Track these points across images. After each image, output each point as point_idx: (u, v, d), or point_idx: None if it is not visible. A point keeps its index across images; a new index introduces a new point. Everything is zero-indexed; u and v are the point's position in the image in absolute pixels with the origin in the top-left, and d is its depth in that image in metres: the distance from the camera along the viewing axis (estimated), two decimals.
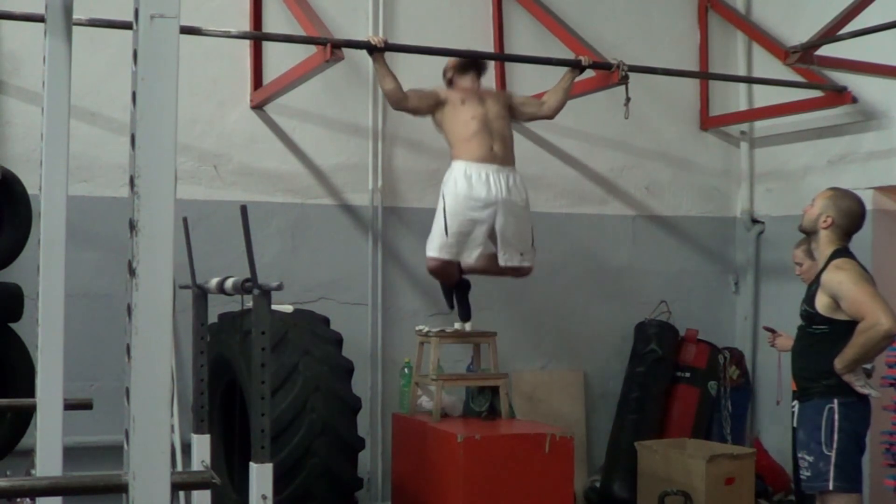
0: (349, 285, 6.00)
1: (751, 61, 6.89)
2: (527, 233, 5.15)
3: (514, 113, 5.30)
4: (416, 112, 5.17)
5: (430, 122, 5.28)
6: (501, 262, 5.09)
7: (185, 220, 3.90)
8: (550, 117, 5.43)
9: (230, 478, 5.01)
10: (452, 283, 5.25)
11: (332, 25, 5.26)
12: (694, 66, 6.87)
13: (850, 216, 4.32)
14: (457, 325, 5.39)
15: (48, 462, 2.24)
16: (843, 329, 4.15)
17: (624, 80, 5.29)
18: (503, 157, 5.03)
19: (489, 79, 6.34)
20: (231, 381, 4.96)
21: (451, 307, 5.40)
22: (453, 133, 5.06)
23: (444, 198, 4.99)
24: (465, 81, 5.19)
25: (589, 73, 5.44)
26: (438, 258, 5.01)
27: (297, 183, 5.94)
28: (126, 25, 2.62)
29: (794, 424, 4.49)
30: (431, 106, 5.12)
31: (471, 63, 5.24)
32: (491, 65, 6.35)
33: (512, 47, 6.35)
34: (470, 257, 5.04)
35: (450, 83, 5.25)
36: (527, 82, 6.29)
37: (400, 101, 5.04)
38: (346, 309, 5.91)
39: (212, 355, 4.34)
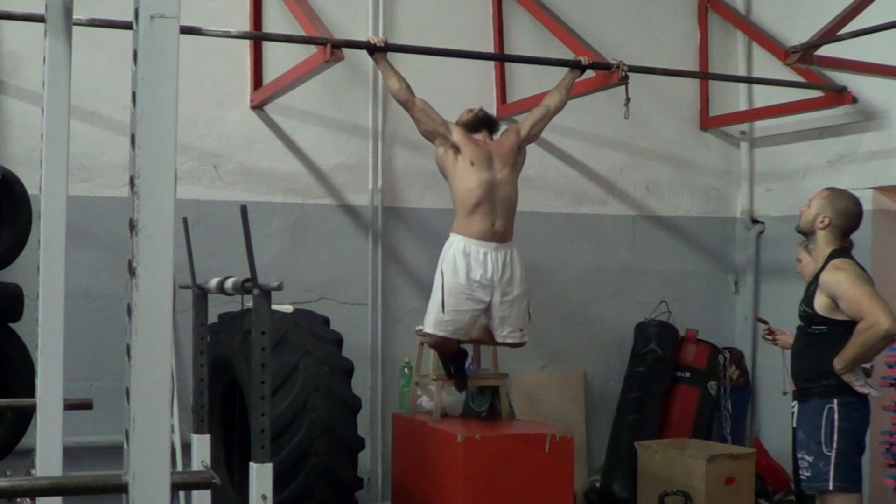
0: (349, 285, 6.00)
1: (751, 61, 6.89)
2: (523, 310, 5.06)
3: (529, 141, 5.19)
4: (416, 122, 5.03)
5: None
6: (499, 339, 5.04)
7: (185, 220, 3.90)
8: (554, 115, 5.37)
9: (230, 478, 5.01)
10: (450, 355, 5.17)
11: (332, 25, 5.26)
12: (694, 66, 6.87)
13: (848, 216, 4.33)
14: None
15: (48, 462, 2.24)
16: (842, 329, 4.15)
17: (624, 81, 5.29)
18: (503, 233, 4.93)
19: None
20: (231, 381, 4.96)
21: (450, 376, 5.26)
22: (457, 196, 4.95)
23: (442, 274, 4.91)
24: (478, 135, 5.07)
25: (589, 73, 5.43)
26: (435, 335, 4.96)
27: (297, 183, 5.94)
28: (126, 25, 2.62)
29: (794, 424, 4.49)
30: (435, 132, 4.98)
31: (483, 122, 5.11)
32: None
33: (512, 47, 6.34)
34: (467, 334, 5.01)
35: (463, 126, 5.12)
36: (527, 82, 6.29)
37: (406, 101, 4.97)
38: (346, 309, 5.91)
39: (212, 355, 4.34)
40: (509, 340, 5.05)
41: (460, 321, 4.90)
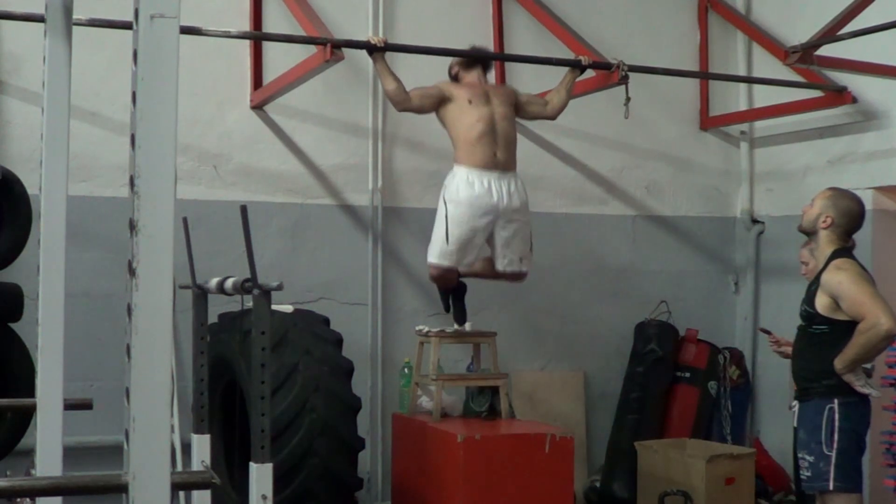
0: (349, 285, 6.00)
1: (751, 61, 6.89)
2: (526, 238, 5.14)
3: (519, 111, 5.27)
4: (420, 111, 5.12)
5: (431, 121, 5.28)
6: (500, 266, 5.09)
7: (185, 220, 3.90)
8: (553, 118, 5.43)
9: (230, 478, 5.01)
10: (450, 287, 5.24)
11: (332, 25, 5.26)
12: (694, 66, 6.87)
13: (850, 216, 4.33)
14: (456, 327, 5.39)
15: (48, 462, 2.24)
16: (843, 329, 4.15)
17: (624, 80, 5.29)
18: (506, 162, 5.01)
19: (489, 79, 6.36)
20: (231, 381, 4.96)
21: (448, 310, 5.39)
22: (458, 134, 5.03)
23: (445, 204, 4.97)
24: (471, 76, 5.18)
25: (589, 73, 5.44)
26: (440, 265, 5.00)
27: (297, 183, 5.94)
28: (126, 25, 2.62)
29: (795, 424, 4.49)
30: (435, 104, 5.08)
31: (477, 58, 5.23)
32: (492, 66, 6.36)
33: (512, 47, 6.35)
34: (470, 263, 5.04)
35: (455, 78, 5.24)
36: (527, 82, 6.28)
37: (403, 101, 5.02)
38: (346, 309, 5.91)
39: (212, 355, 4.34)
40: (510, 269, 5.11)
41: (465, 250, 4.96)
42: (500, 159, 4.99)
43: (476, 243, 4.97)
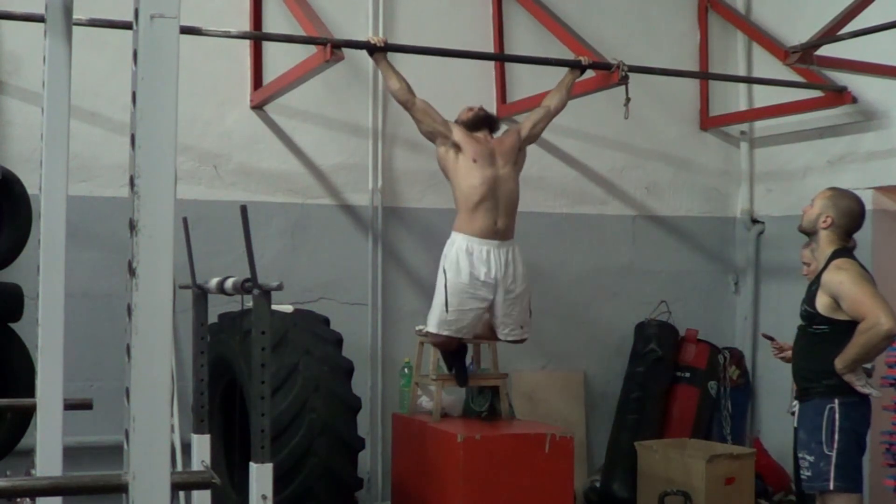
0: (349, 285, 6.00)
1: (751, 61, 6.89)
2: (525, 306, 5.10)
3: (529, 141, 5.21)
4: (416, 122, 5.04)
5: None
6: (501, 336, 5.10)
7: (185, 220, 3.90)
8: (555, 115, 5.38)
9: (230, 478, 5.01)
10: (452, 351, 5.18)
11: (332, 25, 5.26)
12: (694, 66, 6.87)
13: (850, 216, 4.33)
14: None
15: (48, 462, 2.24)
16: (844, 329, 4.15)
17: (624, 81, 5.29)
18: (505, 231, 4.96)
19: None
20: (231, 381, 4.96)
21: (451, 370, 5.28)
22: (459, 194, 4.96)
23: (444, 273, 4.92)
24: (478, 134, 5.07)
25: (589, 73, 5.43)
26: (439, 334, 4.98)
27: (297, 183, 5.94)
28: (126, 25, 2.62)
29: (795, 424, 4.49)
30: (436, 132, 5.00)
31: (483, 120, 5.11)
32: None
33: (512, 47, 6.34)
34: (469, 332, 5.04)
35: (462, 123, 5.13)
36: (527, 82, 6.29)
37: (406, 102, 4.99)
38: (346, 309, 5.91)
39: (212, 355, 4.34)
40: (511, 338, 5.11)
41: (464, 320, 4.92)
42: (501, 228, 4.93)
43: (476, 313, 4.95)
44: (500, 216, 4.94)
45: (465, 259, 4.88)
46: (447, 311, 4.89)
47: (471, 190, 4.91)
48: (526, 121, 5.26)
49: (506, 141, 5.13)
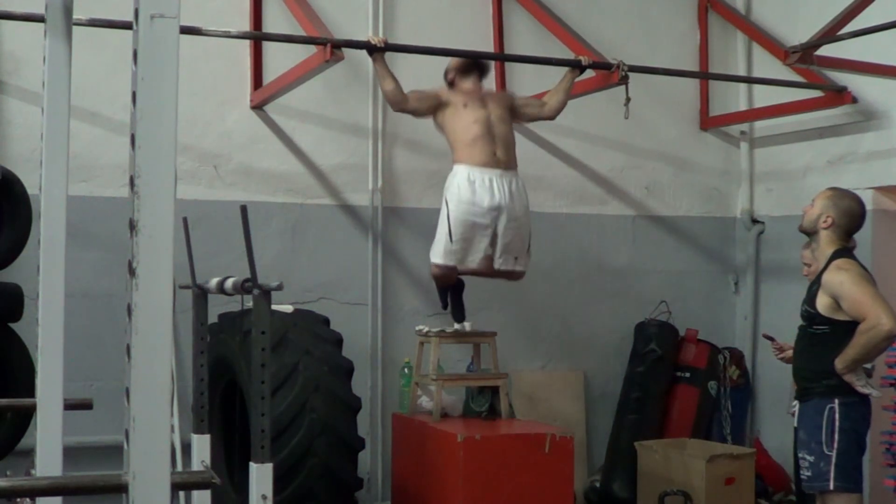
0: (349, 285, 6.00)
1: (751, 61, 6.89)
2: (525, 238, 5.15)
3: (515, 114, 5.28)
4: (416, 113, 5.16)
5: (431, 121, 5.28)
6: (496, 265, 5.09)
7: (185, 220, 3.90)
8: (551, 118, 5.44)
9: (230, 478, 5.01)
10: (449, 285, 5.25)
11: (332, 25, 5.26)
12: (694, 66, 6.87)
13: (851, 216, 4.33)
14: (456, 326, 5.40)
15: (48, 462, 2.23)
16: (844, 329, 4.15)
17: (624, 80, 5.29)
18: (506, 161, 5.02)
19: (489, 80, 6.36)
20: (231, 381, 4.96)
21: (446, 307, 5.40)
22: (455, 136, 5.04)
23: (447, 203, 4.97)
24: (467, 83, 5.16)
25: (589, 73, 5.44)
26: (443, 264, 5.00)
27: (297, 183, 5.94)
28: (126, 25, 2.62)
29: (795, 424, 4.49)
30: (432, 107, 5.10)
31: (473, 64, 5.21)
32: (491, 65, 6.36)
33: (512, 47, 6.34)
34: (472, 262, 5.04)
35: (451, 84, 5.23)
36: (527, 82, 6.29)
37: (400, 102, 5.04)
38: (346, 309, 5.91)
39: (212, 355, 4.34)
40: (507, 267, 5.12)
41: (468, 249, 4.98)
42: (501, 158, 5.01)
43: (479, 241, 4.98)
44: (499, 148, 5.02)
45: (467, 187, 4.94)
46: (451, 240, 4.94)
47: (464, 129, 5.00)
48: (521, 99, 5.38)
49: (496, 94, 5.35)
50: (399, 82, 5.01)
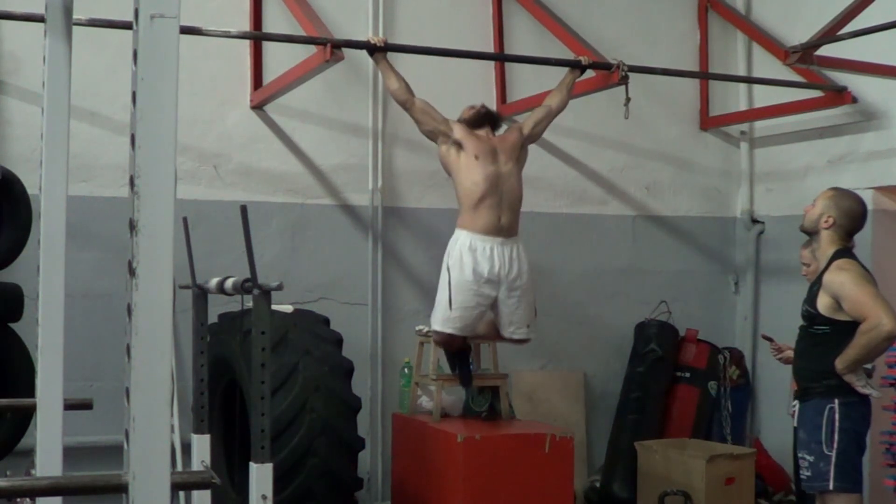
0: (349, 285, 6.00)
1: (751, 61, 6.89)
2: (530, 304, 5.06)
3: (531, 140, 5.20)
4: (416, 122, 5.03)
5: None
6: (506, 335, 5.04)
7: (185, 220, 3.90)
8: (556, 115, 5.38)
9: (230, 478, 5.01)
10: (455, 350, 5.16)
11: (332, 25, 5.26)
12: (694, 66, 6.87)
13: (852, 216, 4.32)
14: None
15: (48, 462, 2.23)
16: (845, 329, 4.15)
17: (624, 80, 5.28)
18: (509, 228, 4.93)
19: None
20: (231, 381, 4.96)
21: (454, 370, 5.26)
22: (462, 192, 4.94)
23: (448, 270, 4.89)
24: (480, 132, 5.05)
25: (589, 73, 5.43)
26: (443, 332, 4.97)
27: (297, 183, 5.94)
28: (126, 25, 2.62)
29: (795, 424, 4.49)
30: (436, 131, 4.99)
31: (485, 117, 5.09)
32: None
33: (512, 47, 6.34)
34: (474, 330, 5.01)
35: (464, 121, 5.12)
36: (527, 82, 6.29)
37: (405, 102, 4.98)
38: (346, 309, 5.91)
39: (212, 355, 4.34)
40: (516, 337, 5.05)
41: (468, 317, 4.90)
42: (504, 225, 4.91)
43: (479, 310, 4.91)
44: (504, 213, 4.91)
45: (468, 256, 4.86)
46: (451, 308, 4.87)
47: (473, 187, 4.89)
48: (528, 119, 5.26)
49: (508, 138, 5.12)
50: (405, 81, 4.97)
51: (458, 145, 4.96)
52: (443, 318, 4.91)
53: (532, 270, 5.12)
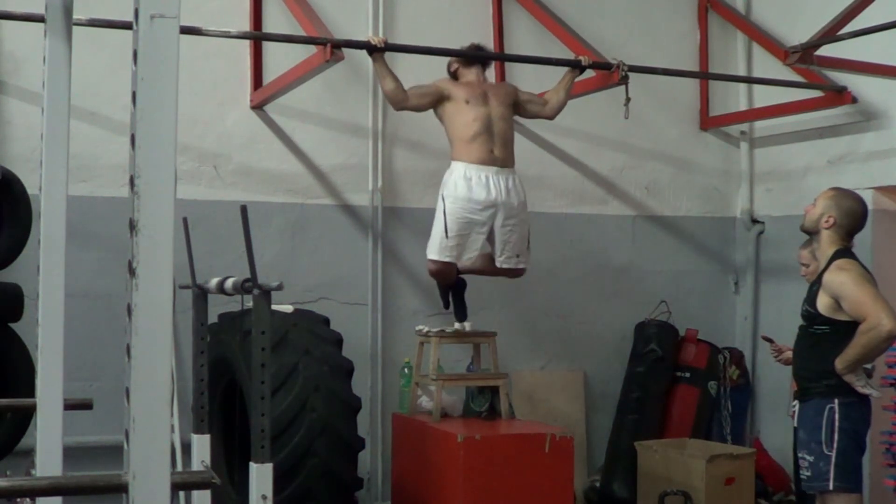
0: (349, 285, 6.00)
1: (751, 61, 6.89)
2: (524, 235, 5.17)
3: (518, 109, 5.30)
4: (417, 109, 5.17)
5: (430, 119, 5.28)
6: (498, 263, 5.13)
7: (185, 220, 3.90)
8: (551, 118, 5.44)
9: (230, 478, 5.01)
10: (450, 283, 5.26)
11: (332, 25, 5.26)
12: (694, 66, 6.87)
13: (852, 216, 4.32)
14: (456, 326, 5.40)
15: (48, 462, 2.23)
16: (845, 329, 4.15)
17: (624, 80, 5.29)
18: (503, 159, 5.04)
19: (489, 79, 6.36)
20: (231, 381, 4.96)
21: (447, 306, 5.42)
22: (454, 132, 5.06)
23: (443, 200, 5.00)
24: (470, 75, 5.21)
25: (589, 73, 5.44)
26: (439, 260, 5.02)
27: (297, 183, 5.94)
28: (126, 25, 2.62)
29: (795, 424, 4.49)
30: (433, 102, 5.12)
31: (477, 56, 5.24)
32: (492, 64, 6.36)
33: (512, 47, 6.34)
34: (469, 259, 5.06)
35: (454, 75, 5.26)
36: (527, 82, 6.27)
37: (401, 101, 5.05)
38: (346, 309, 5.91)
39: (212, 355, 4.34)
40: (508, 265, 5.16)
41: (464, 245, 4.99)
42: (498, 156, 5.02)
43: (476, 238, 5.00)
44: (497, 146, 5.04)
45: (463, 184, 4.95)
46: (447, 236, 4.96)
47: (464, 126, 5.01)
48: (525, 94, 5.34)
49: (500, 87, 5.31)
50: (400, 81, 5.02)
51: (449, 97, 5.09)
52: (439, 247, 5.00)
53: (527, 204, 5.21)
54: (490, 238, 5.06)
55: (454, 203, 4.95)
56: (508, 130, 5.12)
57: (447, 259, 5.01)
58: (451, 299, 5.38)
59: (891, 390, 4.90)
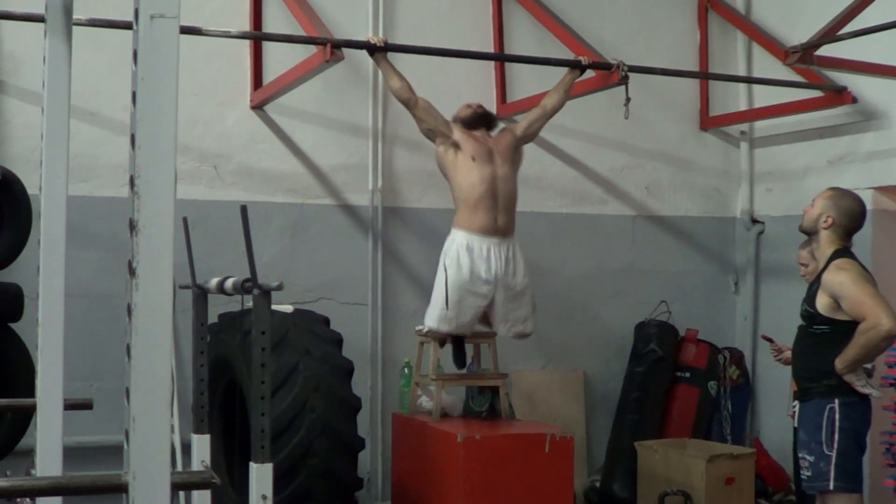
0: (349, 285, 6.00)
1: (751, 61, 6.89)
2: (526, 305, 5.10)
3: (525, 141, 5.22)
4: (418, 120, 5.05)
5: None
6: (501, 332, 5.12)
7: (185, 220, 3.90)
8: (552, 115, 5.40)
9: (230, 478, 5.01)
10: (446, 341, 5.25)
11: (332, 25, 5.26)
12: (694, 66, 6.87)
13: (851, 216, 4.32)
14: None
15: (48, 462, 2.23)
16: (844, 329, 4.15)
17: (624, 81, 5.29)
18: (505, 229, 4.97)
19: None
20: (231, 381, 4.96)
21: (462, 365, 5.37)
22: (459, 193, 4.97)
23: (445, 269, 4.93)
24: (477, 133, 5.08)
25: (589, 73, 5.43)
26: (437, 330, 5.01)
27: (297, 183, 5.94)
28: (126, 25, 2.62)
29: (795, 424, 4.49)
30: (436, 131, 5.01)
31: (481, 118, 5.12)
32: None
33: (512, 47, 6.34)
34: (467, 326, 5.05)
35: (460, 121, 5.14)
36: (527, 82, 6.29)
37: (408, 101, 5.00)
38: (346, 309, 5.91)
39: (212, 355, 4.34)
40: (513, 332, 5.11)
41: (463, 316, 4.94)
42: (501, 225, 4.95)
43: (476, 310, 4.96)
44: (500, 214, 4.95)
45: (465, 256, 4.89)
46: (447, 307, 4.90)
47: (470, 188, 4.92)
48: (522, 120, 5.29)
49: (503, 140, 5.15)
50: (406, 80, 4.99)
51: (456, 146, 4.99)
52: (439, 318, 4.95)
53: (529, 269, 5.14)
54: (491, 309, 5.01)
55: (456, 274, 4.88)
56: (513, 191, 5.03)
57: (445, 329, 4.99)
58: (452, 350, 5.31)
59: (891, 390, 4.90)
